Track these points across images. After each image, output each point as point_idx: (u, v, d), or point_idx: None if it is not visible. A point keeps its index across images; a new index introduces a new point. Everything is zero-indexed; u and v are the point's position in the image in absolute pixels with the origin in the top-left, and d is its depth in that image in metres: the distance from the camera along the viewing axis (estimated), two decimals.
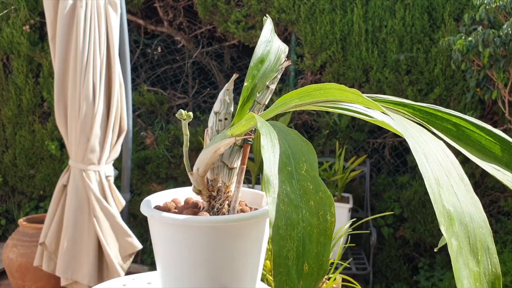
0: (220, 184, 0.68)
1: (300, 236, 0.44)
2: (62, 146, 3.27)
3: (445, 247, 0.45)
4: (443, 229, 0.39)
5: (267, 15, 0.72)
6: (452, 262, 0.39)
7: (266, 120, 0.53)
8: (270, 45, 0.68)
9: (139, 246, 2.31)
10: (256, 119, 0.51)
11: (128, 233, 2.29)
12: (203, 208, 0.69)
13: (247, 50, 3.30)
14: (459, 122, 0.54)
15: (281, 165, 0.47)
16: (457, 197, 0.42)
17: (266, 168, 0.46)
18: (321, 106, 0.56)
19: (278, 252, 0.43)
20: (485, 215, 0.43)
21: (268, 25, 0.70)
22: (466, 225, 0.41)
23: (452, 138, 0.53)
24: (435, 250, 0.65)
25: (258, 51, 0.67)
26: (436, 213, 0.40)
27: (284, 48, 0.70)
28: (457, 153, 0.49)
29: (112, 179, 2.34)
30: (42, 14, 3.17)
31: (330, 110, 0.57)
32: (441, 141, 0.46)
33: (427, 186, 0.41)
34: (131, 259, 2.34)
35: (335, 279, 0.98)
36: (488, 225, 0.42)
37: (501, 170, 0.50)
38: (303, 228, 0.45)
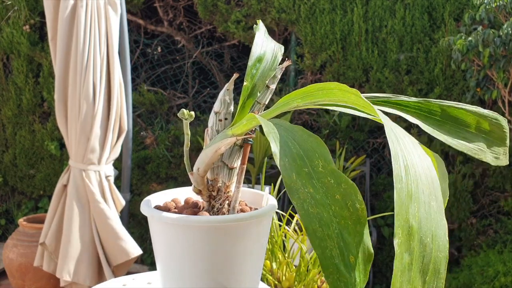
0: (220, 184, 0.68)
1: (337, 232, 0.45)
2: (62, 146, 3.27)
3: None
4: (396, 242, 0.40)
5: (258, 20, 0.72)
6: (393, 274, 0.40)
7: (269, 120, 0.53)
8: (265, 45, 0.69)
9: (135, 253, 2.25)
10: (260, 121, 0.51)
11: (124, 239, 2.23)
12: (203, 208, 0.69)
13: (247, 50, 3.30)
14: (444, 105, 0.58)
15: (298, 169, 0.47)
16: (426, 215, 0.42)
17: (285, 176, 0.46)
18: (322, 104, 0.57)
19: (322, 254, 0.43)
20: (447, 241, 0.43)
21: (261, 28, 0.70)
22: (425, 245, 0.41)
23: (437, 119, 0.56)
24: None
25: (255, 50, 0.67)
26: (395, 225, 0.40)
27: (280, 47, 0.71)
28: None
29: (112, 179, 2.34)
30: (42, 14, 3.17)
31: (332, 108, 0.58)
32: (429, 158, 0.46)
33: (395, 195, 0.41)
34: (128, 267, 2.30)
35: None
36: (447, 251, 0.43)
37: (470, 139, 0.54)
38: (337, 223, 0.45)
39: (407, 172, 0.42)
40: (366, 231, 0.46)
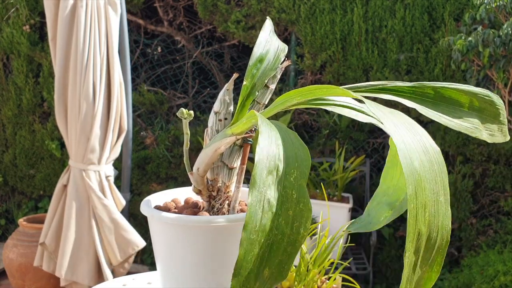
0: (220, 184, 0.68)
1: (269, 243, 0.45)
2: (62, 146, 3.27)
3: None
4: (411, 243, 0.41)
5: (267, 17, 0.72)
6: (406, 263, 0.41)
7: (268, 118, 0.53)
8: (269, 45, 0.68)
9: (141, 244, 2.30)
10: (257, 117, 0.51)
11: (129, 230, 2.29)
12: (203, 208, 0.69)
13: (247, 50, 3.30)
14: (437, 87, 0.58)
15: (272, 167, 0.47)
16: (434, 214, 0.43)
17: (256, 170, 0.45)
18: (319, 103, 0.57)
19: (244, 255, 0.43)
20: (450, 227, 0.44)
21: (268, 25, 0.70)
22: (431, 239, 0.43)
23: (431, 102, 0.56)
24: None
25: (257, 50, 0.67)
26: (410, 230, 0.41)
27: (283, 47, 0.70)
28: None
29: (112, 179, 2.34)
30: (42, 14, 3.17)
31: (329, 108, 0.57)
32: (431, 140, 0.47)
33: (409, 214, 0.41)
34: (132, 259, 2.33)
35: (335, 279, 0.98)
36: (449, 236, 0.44)
37: (465, 118, 0.54)
38: (274, 235, 0.45)
39: (417, 189, 0.42)
40: (292, 259, 0.46)
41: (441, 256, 0.43)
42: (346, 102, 0.58)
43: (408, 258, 0.41)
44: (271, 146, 0.48)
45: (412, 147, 0.44)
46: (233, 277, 0.43)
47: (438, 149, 0.46)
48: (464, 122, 0.54)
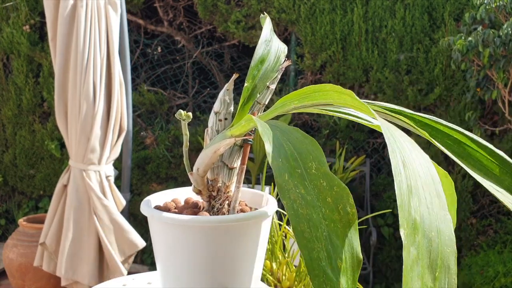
0: (220, 184, 0.68)
1: (326, 234, 0.44)
2: (62, 146, 3.27)
3: None
4: (403, 233, 0.39)
5: (264, 13, 0.72)
6: (404, 268, 0.39)
7: (266, 121, 0.53)
8: (270, 45, 0.68)
9: (141, 244, 2.31)
10: (256, 122, 0.51)
11: (129, 231, 2.29)
12: (203, 208, 0.69)
13: (247, 50, 3.30)
14: (460, 138, 0.53)
15: (291, 169, 0.47)
16: (428, 210, 0.41)
17: (277, 176, 0.45)
18: (320, 109, 0.56)
19: (309, 255, 0.42)
20: (454, 236, 0.42)
21: (267, 24, 0.70)
22: (431, 239, 0.40)
23: (453, 153, 0.52)
24: None
25: (259, 51, 0.67)
26: (399, 216, 0.39)
27: (284, 48, 0.70)
28: (457, 167, 0.49)
29: (112, 179, 2.34)
30: (42, 14, 3.17)
31: (330, 113, 0.57)
32: (426, 156, 0.46)
33: (396, 188, 0.40)
34: (132, 259, 2.33)
35: None
36: (455, 246, 0.41)
37: (501, 191, 0.49)
38: (326, 226, 0.45)
39: (405, 166, 0.42)
40: (356, 237, 0.45)
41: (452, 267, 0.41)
42: (350, 110, 0.58)
43: (406, 238, 0.39)
44: (279, 148, 0.48)
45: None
46: (312, 282, 0.42)
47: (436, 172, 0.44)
48: (497, 192, 0.49)
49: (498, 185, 0.50)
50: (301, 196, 0.45)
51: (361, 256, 0.45)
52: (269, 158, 0.46)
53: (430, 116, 0.55)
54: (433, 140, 0.51)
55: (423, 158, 0.45)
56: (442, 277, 0.40)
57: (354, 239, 0.45)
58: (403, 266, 0.39)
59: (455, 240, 0.42)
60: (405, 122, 0.54)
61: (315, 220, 0.44)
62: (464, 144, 0.53)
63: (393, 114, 0.55)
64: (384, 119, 0.53)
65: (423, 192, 0.42)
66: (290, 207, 0.44)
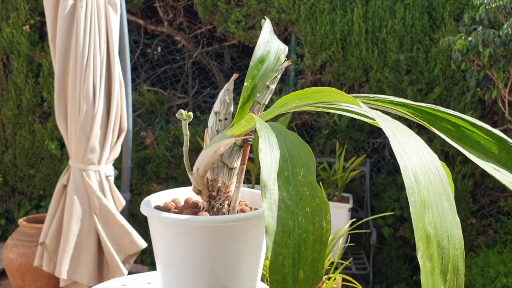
0: (220, 184, 0.68)
1: (296, 243, 0.44)
2: (62, 146, 3.27)
3: None
4: (419, 255, 0.40)
5: (265, 17, 0.72)
6: (422, 282, 0.40)
7: (266, 121, 0.53)
8: (269, 46, 0.68)
9: (142, 245, 2.30)
10: (256, 120, 0.51)
11: (130, 231, 2.29)
12: (203, 208, 0.69)
13: (247, 50, 3.30)
14: (458, 121, 0.54)
15: (279, 170, 0.47)
16: (440, 219, 0.41)
17: (264, 173, 0.45)
18: (321, 106, 0.56)
19: (274, 259, 0.43)
20: (462, 236, 0.43)
21: (267, 26, 0.70)
22: (443, 247, 0.41)
23: (451, 138, 0.53)
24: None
25: (258, 51, 0.67)
26: (416, 238, 0.40)
27: (284, 48, 0.70)
28: (456, 153, 0.49)
29: (112, 179, 2.34)
30: (42, 14, 3.17)
31: (330, 111, 0.57)
32: (435, 156, 0.46)
33: (411, 208, 0.40)
34: (133, 259, 2.33)
35: (335, 279, 0.98)
36: (463, 246, 0.43)
37: (500, 170, 0.50)
38: (299, 235, 0.45)
39: (417, 180, 0.42)
40: (323, 254, 0.46)
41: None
42: (351, 107, 0.58)
43: (422, 258, 0.40)
44: (273, 149, 0.48)
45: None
46: (270, 285, 0.43)
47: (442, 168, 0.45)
48: (495, 171, 0.50)
49: (496, 164, 0.51)
50: (282, 198, 0.45)
51: (323, 273, 0.46)
52: (260, 154, 0.46)
53: (429, 105, 0.56)
54: (433, 129, 0.51)
55: (432, 159, 0.45)
56: (452, 279, 0.41)
57: (321, 254, 0.45)
58: (422, 282, 0.40)
59: (462, 242, 0.43)
60: (406, 113, 0.54)
61: (289, 226, 0.44)
62: (462, 127, 0.54)
63: (393, 107, 0.55)
64: (385, 112, 0.53)
65: (434, 199, 0.42)
66: (269, 207, 0.44)
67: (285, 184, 0.46)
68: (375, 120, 0.53)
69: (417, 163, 0.43)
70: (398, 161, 0.42)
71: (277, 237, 0.43)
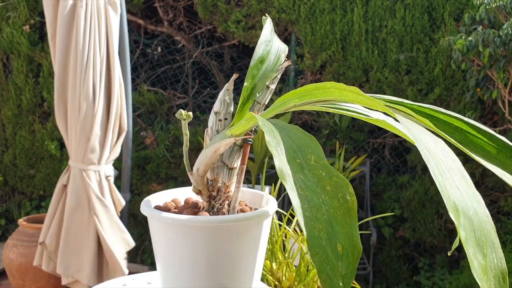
0: (220, 184, 0.68)
1: (326, 218, 0.44)
2: (62, 146, 3.27)
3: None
4: (452, 216, 0.40)
5: (266, 14, 0.72)
6: (465, 251, 0.40)
7: (267, 120, 0.53)
8: (270, 45, 0.68)
9: (131, 243, 2.33)
10: (257, 118, 0.51)
11: (123, 230, 2.31)
12: (203, 208, 0.69)
13: (247, 50, 3.30)
14: (461, 126, 0.53)
15: (290, 158, 0.47)
16: (460, 192, 0.42)
17: (277, 161, 0.45)
18: (320, 106, 0.56)
19: (310, 232, 0.42)
20: (487, 211, 0.43)
21: (268, 25, 0.70)
22: (471, 218, 0.41)
23: (456, 142, 0.53)
24: (448, 254, 0.64)
25: (258, 51, 0.67)
26: (445, 201, 0.40)
27: (284, 48, 0.70)
28: (456, 153, 0.49)
29: (112, 179, 2.34)
30: (42, 14, 3.17)
31: (330, 110, 0.57)
32: (441, 140, 0.46)
33: (433, 177, 0.41)
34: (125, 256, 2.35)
35: None
36: (491, 220, 0.42)
37: (510, 178, 0.49)
38: (327, 210, 0.44)
39: (431, 156, 0.42)
40: (356, 226, 0.45)
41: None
42: (352, 106, 0.58)
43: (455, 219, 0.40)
44: (279, 141, 0.48)
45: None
46: (313, 258, 0.42)
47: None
48: (505, 178, 0.49)
49: (503, 170, 0.50)
50: (301, 180, 0.45)
51: (360, 246, 0.45)
52: (269, 146, 0.46)
53: (430, 106, 0.55)
54: (436, 129, 0.51)
55: (438, 143, 0.45)
56: (490, 253, 0.41)
57: (354, 227, 0.45)
58: (465, 250, 0.40)
59: (490, 215, 0.43)
60: (407, 113, 0.54)
61: (315, 202, 0.44)
62: (465, 131, 0.53)
63: (394, 106, 0.55)
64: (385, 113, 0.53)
65: (449, 175, 0.42)
66: (291, 188, 0.44)
67: (300, 170, 0.47)
68: (377, 118, 0.53)
69: (436, 154, 0.44)
70: (419, 150, 0.42)
71: (307, 212, 0.43)
